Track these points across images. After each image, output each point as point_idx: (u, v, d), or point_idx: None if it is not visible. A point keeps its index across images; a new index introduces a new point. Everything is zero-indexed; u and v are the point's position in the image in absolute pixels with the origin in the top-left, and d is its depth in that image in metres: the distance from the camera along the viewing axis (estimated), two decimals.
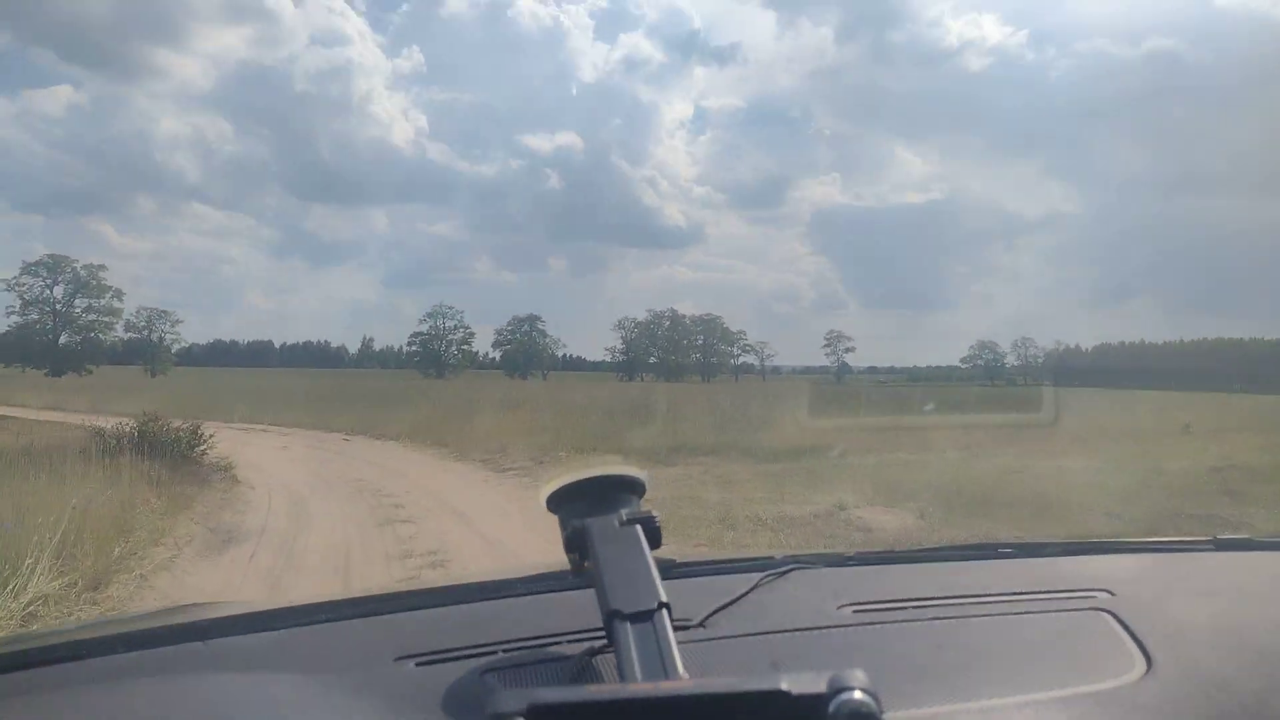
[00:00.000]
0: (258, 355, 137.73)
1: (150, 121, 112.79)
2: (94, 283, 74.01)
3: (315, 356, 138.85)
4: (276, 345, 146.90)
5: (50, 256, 73.83)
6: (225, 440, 18.63)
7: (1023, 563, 1.49)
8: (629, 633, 0.86)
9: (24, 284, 72.47)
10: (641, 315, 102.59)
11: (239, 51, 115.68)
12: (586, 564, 1.00)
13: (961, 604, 1.21)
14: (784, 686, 0.61)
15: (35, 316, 72.67)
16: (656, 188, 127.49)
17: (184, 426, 11.87)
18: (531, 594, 1.32)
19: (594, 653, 1.03)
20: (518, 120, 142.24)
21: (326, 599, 1.39)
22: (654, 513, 1.04)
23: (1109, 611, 1.16)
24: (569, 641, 1.10)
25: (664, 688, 0.74)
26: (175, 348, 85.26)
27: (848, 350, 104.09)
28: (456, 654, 1.08)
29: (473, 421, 18.96)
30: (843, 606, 1.24)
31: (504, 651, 1.09)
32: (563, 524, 1.06)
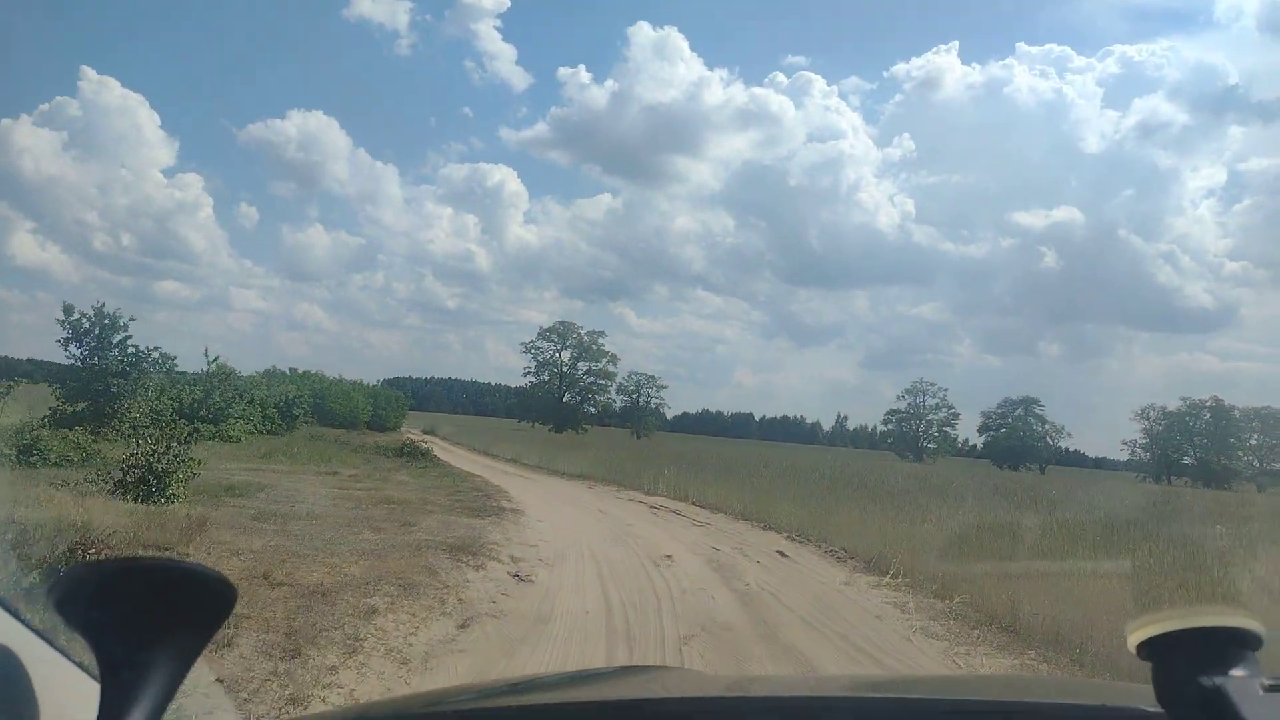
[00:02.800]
0: (738, 426, 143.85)
1: (667, 219, 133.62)
2: (594, 347, 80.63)
3: (790, 431, 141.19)
4: (756, 418, 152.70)
5: (560, 323, 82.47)
6: (613, 519, 14.49)
7: None
8: None
9: (539, 347, 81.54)
10: (1171, 404, 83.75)
11: (745, 153, 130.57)
12: None
13: None
14: None
15: (546, 377, 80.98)
16: (1176, 264, 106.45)
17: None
18: None
19: None
20: (1010, 198, 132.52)
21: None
22: None
23: None
24: None
25: None
26: (668, 414, 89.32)
27: None
28: None
29: (1006, 555, 11.84)
30: None
31: None
32: (1166, 675, 0.91)
